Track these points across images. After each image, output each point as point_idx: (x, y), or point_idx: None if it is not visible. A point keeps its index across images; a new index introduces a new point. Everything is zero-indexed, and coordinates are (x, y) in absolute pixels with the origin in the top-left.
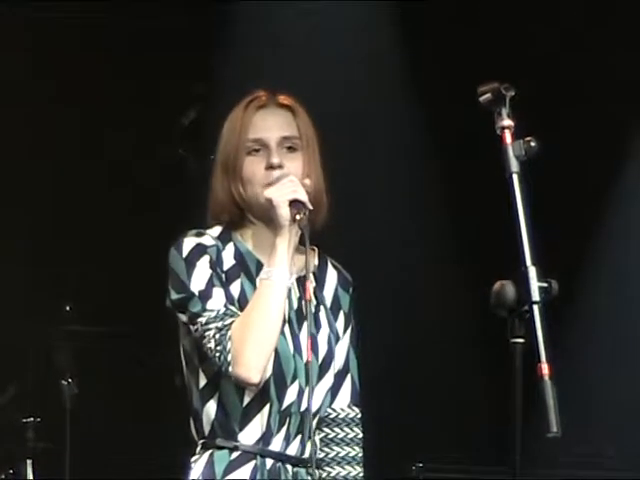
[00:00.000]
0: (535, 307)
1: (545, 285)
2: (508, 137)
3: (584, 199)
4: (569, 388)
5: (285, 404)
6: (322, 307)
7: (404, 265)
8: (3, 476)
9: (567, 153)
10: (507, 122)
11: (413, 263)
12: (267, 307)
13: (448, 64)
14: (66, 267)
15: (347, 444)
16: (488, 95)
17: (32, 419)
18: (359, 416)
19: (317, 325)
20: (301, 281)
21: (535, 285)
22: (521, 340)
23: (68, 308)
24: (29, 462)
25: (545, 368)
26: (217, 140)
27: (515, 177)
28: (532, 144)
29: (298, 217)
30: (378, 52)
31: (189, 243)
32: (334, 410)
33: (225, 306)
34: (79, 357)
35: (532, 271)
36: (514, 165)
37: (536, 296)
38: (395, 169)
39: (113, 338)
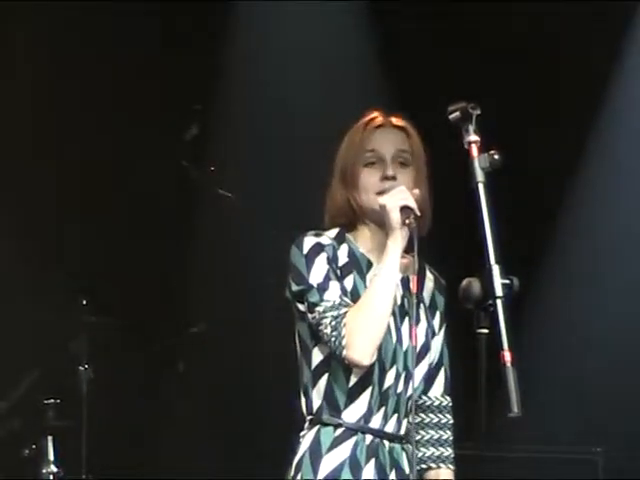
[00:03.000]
0: (498, 301)
1: (507, 282)
2: (475, 151)
3: (542, 202)
4: (529, 372)
5: (385, 386)
6: (422, 305)
7: None
8: (27, 451)
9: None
10: (474, 137)
11: None
12: (379, 299)
13: (423, 64)
14: (83, 266)
15: (440, 428)
16: (457, 114)
17: (52, 400)
18: (450, 404)
19: (417, 320)
20: (403, 282)
21: (498, 282)
22: (486, 330)
23: (84, 302)
24: (50, 438)
25: (507, 355)
26: (218, 151)
27: (480, 186)
28: (496, 157)
29: (407, 222)
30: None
31: (309, 242)
32: (429, 398)
33: (340, 297)
34: (94, 345)
35: (496, 269)
36: (479, 175)
37: (499, 291)
38: None
39: (124, 328)
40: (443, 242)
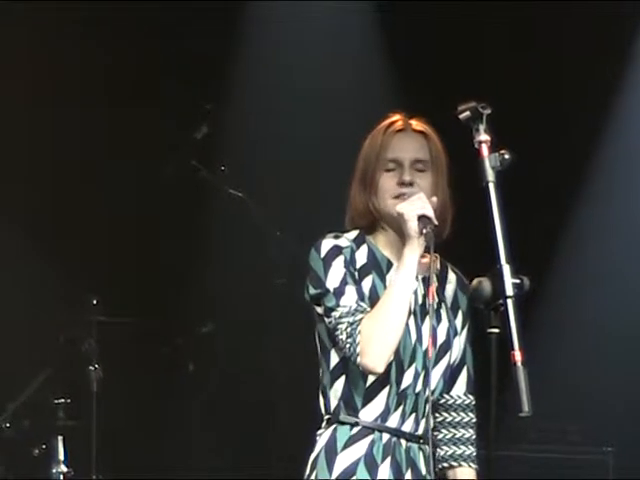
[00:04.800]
0: (509, 301)
1: (518, 281)
2: (485, 150)
3: (552, 204)
4: (539, 372)
5: (402, 386)
6: (443, 304)
7: None
8: (37, 450)
9: (536, 161)
10: (484, 137)
11: None
12: (393, 308)
13: (426, 64)
14: (94, 267)
15: (462, 427)
16: (467, 113)
17: (63, 400)
18: (473, 403)
19: (438, 319)
20: (425, 281)
21: (509, 281)
22: (496, 330)
23: (95, 302)
24: (60, 438)
25: (518, 355)
26: (227, 151)
27: (491, 185)
28: (506, 156)
29: (425, 231)
30: (363, 54)
31: (327, 244)
32: (451, 397)
33: (356, 302)
34: (104, 345)
35: (506, 269)
36: (490, 175)
37: (510, 291)
38: None
39: (134, 328)
40: (453, 241)
